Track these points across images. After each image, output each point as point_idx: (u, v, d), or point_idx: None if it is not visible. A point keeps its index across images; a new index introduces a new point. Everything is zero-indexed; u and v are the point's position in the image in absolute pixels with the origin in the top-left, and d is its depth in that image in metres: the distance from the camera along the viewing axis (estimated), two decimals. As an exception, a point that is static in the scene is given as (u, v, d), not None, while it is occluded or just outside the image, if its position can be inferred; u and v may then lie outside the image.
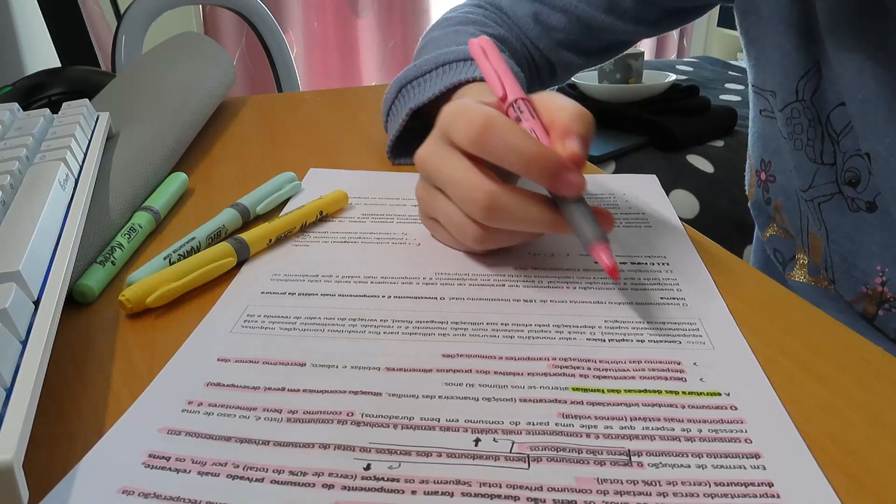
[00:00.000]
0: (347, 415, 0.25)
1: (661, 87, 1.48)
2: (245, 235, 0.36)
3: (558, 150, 0.31)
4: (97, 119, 0.46)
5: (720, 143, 1.40)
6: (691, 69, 2.00)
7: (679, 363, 0.27)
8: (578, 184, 0.30)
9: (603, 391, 0.26)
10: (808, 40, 0.48)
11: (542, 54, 0.61)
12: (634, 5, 0.57)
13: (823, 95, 0.48)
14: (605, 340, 0.29)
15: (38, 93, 0.61)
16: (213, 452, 0.23)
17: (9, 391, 0.22)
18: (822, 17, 0.46)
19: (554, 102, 0.33)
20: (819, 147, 0.50)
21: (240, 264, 0.35)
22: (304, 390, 0.26)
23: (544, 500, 0.21)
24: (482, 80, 0.45)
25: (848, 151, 0.48)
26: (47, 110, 0.44)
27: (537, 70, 0.62)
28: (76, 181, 0.36)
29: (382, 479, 0.22)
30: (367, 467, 0.22)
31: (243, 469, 0.22)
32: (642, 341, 0.29)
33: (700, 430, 0.24)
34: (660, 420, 0.24)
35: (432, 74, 0.48)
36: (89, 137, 0.42)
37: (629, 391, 0.26)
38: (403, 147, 0.50)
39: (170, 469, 0.22)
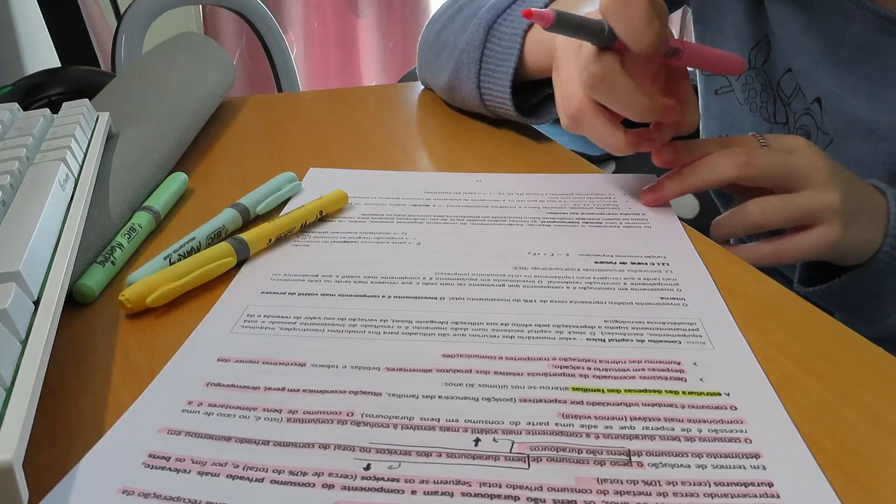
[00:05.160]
0: (347, 415, 0.25)
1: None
2: (245, 235, 0.36)
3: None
4: (97, 119, 0.46)
5: (720, 143, 1.40)
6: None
7: (679, 363, 0.27)
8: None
9: (603, 391, 0.26)
10: (757, 14, 0.55)
11: None
12: None
13: (773, 64, 0.55)
14: (605, 340, 0.29)
15: (38, 93, 0.61)
16: (213, 452, 0.23)
17: (9, 391, 0.21)
18: None
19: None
20: (772, 108, 0.56)
21: (240, 264, 0.35)
22: (304, 390, 0.26)
23: (544, 500, 0.21)
24: None
25: (798, 112, 0.54)
26: (47, 110, 0.43)
27: None
28: (76, 181, 0.36)
29: (382, 479, 0.22)
30: (367, 467, 0.22)
31: (243, 469, 0.22)
32: (642, 341, 0.29)
33: (700, 430, 0.24)
34: (660, 420, 0.24)
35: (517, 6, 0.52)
36: (89, 137, 0.42)
37: (629, 391, 0.26)
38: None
39: (170, 469, 0.22)
